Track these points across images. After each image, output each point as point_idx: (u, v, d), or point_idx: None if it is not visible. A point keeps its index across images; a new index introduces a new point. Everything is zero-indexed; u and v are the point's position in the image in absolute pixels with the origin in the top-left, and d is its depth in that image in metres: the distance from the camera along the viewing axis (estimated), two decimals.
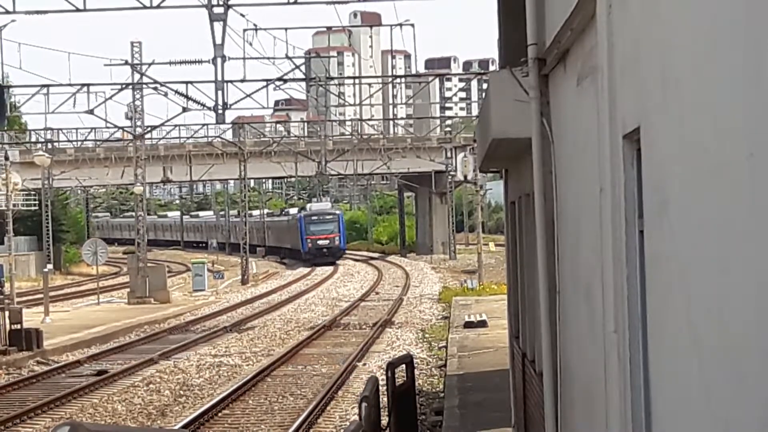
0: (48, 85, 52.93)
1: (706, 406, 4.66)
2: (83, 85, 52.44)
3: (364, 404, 13.42)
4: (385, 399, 15.89)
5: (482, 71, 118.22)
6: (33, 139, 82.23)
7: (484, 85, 67.86)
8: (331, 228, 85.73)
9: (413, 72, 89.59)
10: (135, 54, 57.23)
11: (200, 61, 48.59)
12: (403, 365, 16.90)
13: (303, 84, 58.14)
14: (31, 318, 40.96)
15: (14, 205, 51.74)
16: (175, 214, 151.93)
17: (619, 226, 6.49)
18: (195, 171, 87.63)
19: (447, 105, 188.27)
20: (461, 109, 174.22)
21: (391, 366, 16.15)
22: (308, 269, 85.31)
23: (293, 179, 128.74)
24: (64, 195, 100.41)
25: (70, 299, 59.46)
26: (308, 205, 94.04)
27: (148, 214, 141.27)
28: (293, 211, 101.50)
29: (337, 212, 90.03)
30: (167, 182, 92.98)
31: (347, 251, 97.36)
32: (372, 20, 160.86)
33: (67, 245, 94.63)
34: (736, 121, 4.12)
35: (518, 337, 16.03)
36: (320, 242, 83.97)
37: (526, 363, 14.31)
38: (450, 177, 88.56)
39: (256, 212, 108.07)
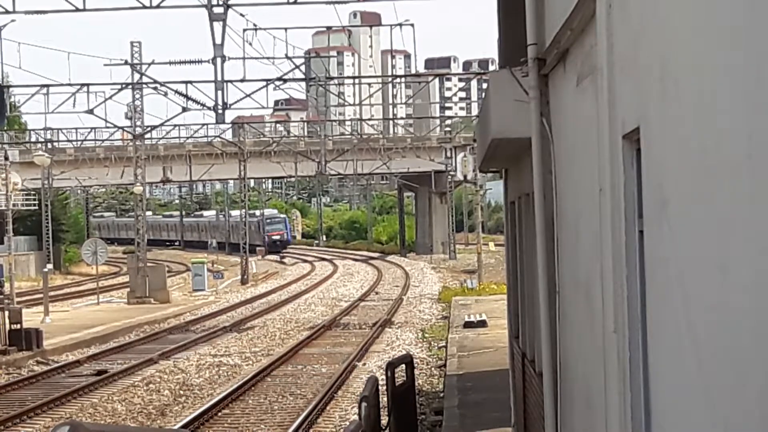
0: (48, 85, 52.93)
1: (705, 406, 4.66)
2: (83, 85, 52.43)
3: (363, 404, 13.42)
4: (385, 399, 15.89)
5: (482, 71, 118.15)
6: (33, 139, 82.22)
7: (484, 85, 67.80)
8: (280, 227, 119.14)
9: (413, 72, 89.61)
10: (135, 54, 57.22)
11: (200, 61, 48.58)
12: (403, 365, 16.90)
13: (303, 84, 58.06)
14: (30, 318, 40.97)
15: (14, 205, 51.73)
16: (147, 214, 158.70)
17: (619, 227, 6.49)
18: (195, 171, 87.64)
19: (447, 105, 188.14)
20: (461, 109, 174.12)
21: (391, 366, 16.16)
22: (309, 269, 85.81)
23: (293, 179, 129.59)
24: (63, 195, 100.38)
25: (69, 299, 59.46)
26: (264, 211, 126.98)
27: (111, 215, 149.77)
28: (208, 213, 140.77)
29: (283, 216, 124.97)
30: (167, 182, 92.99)
31: (350, 253, 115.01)
32: (372, 20, 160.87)
33: (66, 245, 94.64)
34: (736, 121, 4.12)
35: (518, 337, 16.03)
36: (274, 237, 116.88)
37: (525, 363, 14.31)
38: (450, 177, 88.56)
39: (207, 213, 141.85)
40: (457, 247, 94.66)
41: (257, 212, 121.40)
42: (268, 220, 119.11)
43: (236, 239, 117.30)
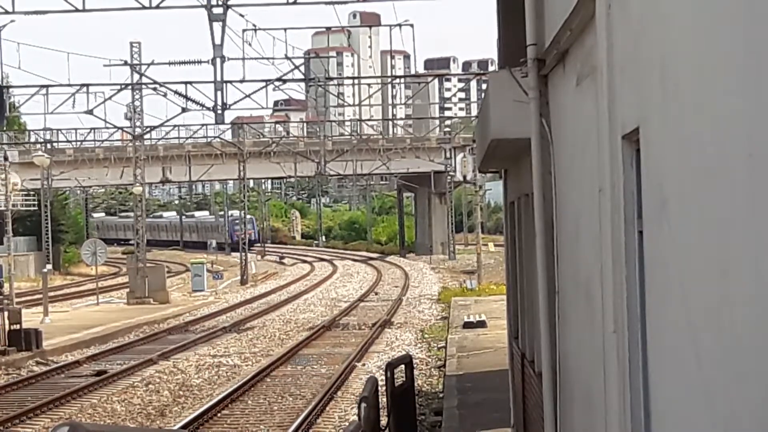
0: (47, 86, 52.94)
1: (705, 406, 4.66)
2: (82, 85, 52.43)
3: (363, 404, 13.41)
4: (385, 399, 15.88)
5: (481, 71, 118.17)
6: (32, 139, 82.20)
7: (484, 86, 67.84)
8: (248, 227, 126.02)
9: (412, 72, 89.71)
10: (134, 54, 57.21)
11: (199, 62, 48.59)
12: (403, 365, 16.89)
13: (302, 84, 58.11)
14: (30, 318, 40.95)
15: (13, 206, 51.73)
16: (100, 215, 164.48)
17: (619, 227, 6.49)
18: (194, 171, 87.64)
19: (446, 105, 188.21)
20: (460, 109, 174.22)
21: (391, 366, 16.15)
22: (308, 270, 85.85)
23: (293, 179, 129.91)
24: (63, 195, 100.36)
25: (69, 299, 59.42)
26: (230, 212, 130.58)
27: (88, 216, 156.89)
28: (167, 213, 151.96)
29: (250, 217, 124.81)
30: (166, 182, 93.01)
31: (350, 253, 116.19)
32: (371, 20, 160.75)
33: (66, 245, 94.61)
34: (736, 121, 4.12)
35: (517, 337, 16.03)
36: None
37: (525, 363, 14.31)
38: (449, 177, 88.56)
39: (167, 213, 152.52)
40: (457, 247, 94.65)
41: (231, 213, 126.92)
42: (236, 221, 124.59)
43: (197, 238, 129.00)
